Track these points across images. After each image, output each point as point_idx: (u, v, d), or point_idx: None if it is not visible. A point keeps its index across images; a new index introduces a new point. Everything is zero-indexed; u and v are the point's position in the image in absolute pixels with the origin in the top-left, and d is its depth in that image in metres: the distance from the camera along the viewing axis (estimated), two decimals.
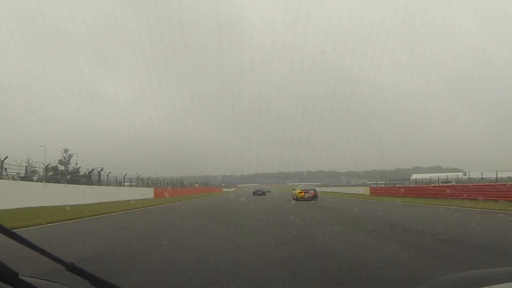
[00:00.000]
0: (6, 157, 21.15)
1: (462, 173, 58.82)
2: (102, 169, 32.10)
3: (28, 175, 26.77)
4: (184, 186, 59.14)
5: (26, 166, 26.89)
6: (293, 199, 27.83)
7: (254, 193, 46.01)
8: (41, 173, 27.73)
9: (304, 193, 27.05)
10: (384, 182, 56.06)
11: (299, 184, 32.82)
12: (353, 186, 59.27)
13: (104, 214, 15.64)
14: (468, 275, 1.52)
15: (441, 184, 37.12)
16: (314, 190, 27.72)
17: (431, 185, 37.65)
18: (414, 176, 62.94)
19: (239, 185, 78.89)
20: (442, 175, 58.06)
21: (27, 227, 10.14)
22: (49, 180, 27.53)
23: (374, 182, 58.96)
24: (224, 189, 72.08)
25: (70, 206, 17.57)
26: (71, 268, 1.10)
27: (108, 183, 32.59)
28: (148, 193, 37.26)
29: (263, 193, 46.41)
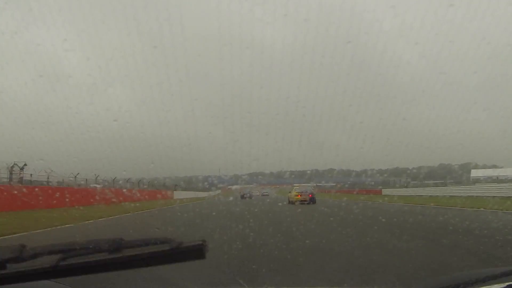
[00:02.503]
0: None
1: None
2: None
3: None
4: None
5: None
6: (289, 202, 26.66)
7: (242, 197, 43.25)
8: None
9: (301, 195, 25.91)
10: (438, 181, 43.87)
11: (295, 185, 30.51)
12: (402, 187, 48.12)
13: None
14: (467, 275, 1.54)
15: None
16: (312, 192, 26.65)
17: None
18: (475, 173, 51.15)
19: (229, 187, 70.44)
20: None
21: None
22: None
23: (418, 181, 48.79)
24: (200, 194, 56.88)
25: None
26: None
27: None
28: None
29: (250, 197, 43.81)
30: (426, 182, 46.68)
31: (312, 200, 25.59)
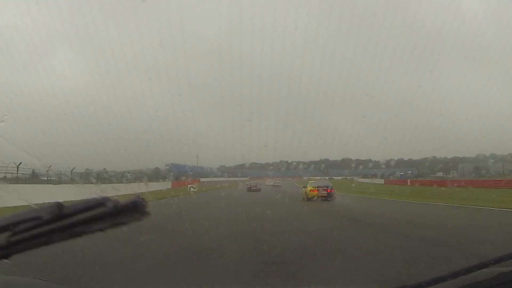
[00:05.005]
0: None
1: None
2: None
3: None
4: None
5: None
6: (303, 199, 24.08)
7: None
8: None
9: (318, 190, 23.31)
10: None
11: (310, 179, 27.82)
12: None
13: None
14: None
15: None
16: (330, 187, 23.96)
17: None
18: None
19: (202, 179, 57.36)
20: None
21: None
22: None
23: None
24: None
25: None
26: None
27: None
28: None
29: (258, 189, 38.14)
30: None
31: (330, 196, 23.40)
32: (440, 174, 58.05)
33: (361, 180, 59.83)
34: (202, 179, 57.34)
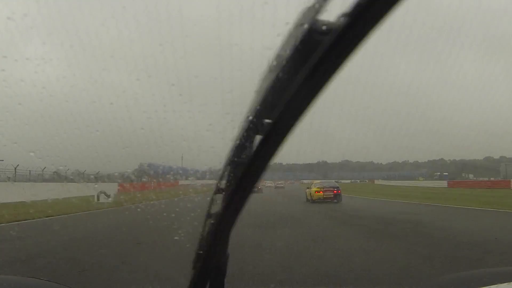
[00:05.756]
0: None
1: None
2: None
3: None
4: None
5: None
6: (307, 200, 23.62)
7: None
8: None
9: (323, 191, 22.18)
10: None
11: (315, 181, 27.15)
12: None
13: None
14: (469, 275, 1.54)
15: None
16: (338, 187, 22.73)
17: None
18: None
19: (183, 182, 50.02)
20: None
21: None
22: None
23: None
24: None
25: None
26: None
27: None
28: None
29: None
30: None
31: (337, 197, 22.31)
32: (470, 176, 55.30)
33: (394, 183, 51.75)
34: (186, 182, 52.52)
